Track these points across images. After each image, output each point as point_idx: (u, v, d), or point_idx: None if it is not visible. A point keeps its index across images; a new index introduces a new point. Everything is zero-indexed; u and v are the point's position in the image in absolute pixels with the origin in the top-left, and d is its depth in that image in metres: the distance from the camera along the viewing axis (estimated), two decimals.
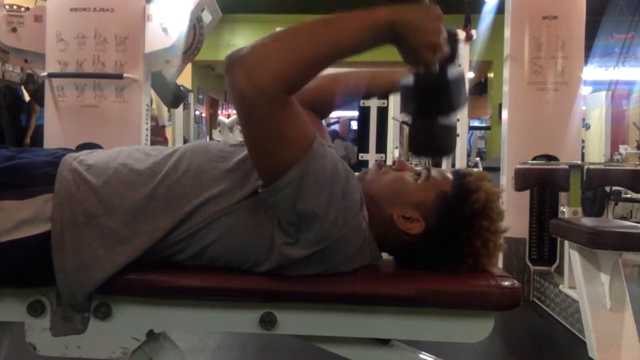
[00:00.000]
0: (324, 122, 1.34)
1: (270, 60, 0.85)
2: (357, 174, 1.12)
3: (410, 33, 0.89)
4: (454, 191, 1.02)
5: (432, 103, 0.97)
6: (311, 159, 0.89)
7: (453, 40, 0.95)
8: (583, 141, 5.38)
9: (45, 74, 3.31)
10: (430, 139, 0.99)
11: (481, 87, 11.74)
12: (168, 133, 6.49)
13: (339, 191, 0.92)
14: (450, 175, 1.05)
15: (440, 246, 1.02)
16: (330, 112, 1.30)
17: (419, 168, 1.08)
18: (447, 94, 0.96)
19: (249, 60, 0.85)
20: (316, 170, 0.89)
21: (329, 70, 1.01)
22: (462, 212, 1.00)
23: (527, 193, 3.15)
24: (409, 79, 0.97)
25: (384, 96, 1.28)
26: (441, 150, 1.01)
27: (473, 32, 3.99)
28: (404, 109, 0.99)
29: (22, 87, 5.15)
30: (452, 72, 0.96)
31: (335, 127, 8.78)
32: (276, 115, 0.87)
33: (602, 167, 3.25)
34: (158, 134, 5.82)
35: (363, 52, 0.93)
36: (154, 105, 5.72)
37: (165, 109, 5.87)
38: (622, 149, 7.37)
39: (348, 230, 0.94)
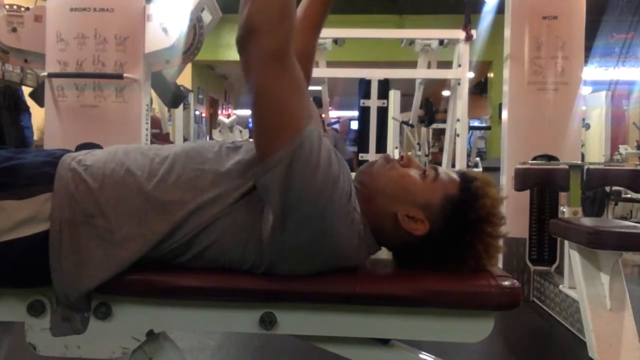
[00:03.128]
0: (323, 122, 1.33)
1: (265, 17, 0.88)
2: (361, 167, 1.12)
3: None
4: (461, 195, 1.02)
5: None
6: (305, 139, 0.89)
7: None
8: (583, 141, 5.38)
9: (45, 74, 3.31)
10: None
11: (481, 87, 11.73)
12: (165, 130, 6.47)
13: (330, 178, 0.91)
14: (456, 177, 1.05)
15: (442, 248, 1.02)
16: (311, 65, 1.27)
17: (425, 167, 1.08)
18: None
19: (254, 26, 0.88)
20: (309, 150, 0.89)
21: None
22: (467, 217, 1.00)
23: (527, 193, 3.15)
24: None
25: None
26: None
27: (473, 32, 3.99)
28: None
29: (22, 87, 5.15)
30: None
31: (336, 127, 8.78)
32: (285, 79, 0.90)
33: (602, 167, 3.24)
34: (163, 142, 5.79)
35: None
36: (157, 110, 5.71)
37: (165, 109, 5.86)
38: (622, 149, 7.37)
39: (337, 222, 0.93)
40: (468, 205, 1.01)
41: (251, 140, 1.00)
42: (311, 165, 0.89)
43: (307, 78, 1.24)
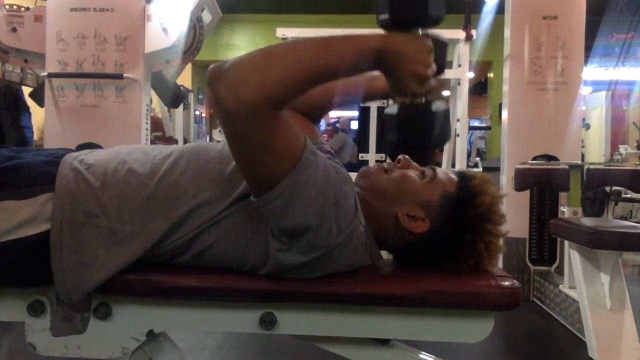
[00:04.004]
0: (323, 121, 1.34)
1: (255, 74, 0.82)
2: (360, 171, 1.12)
3: (398, 61, 0.89)
4: (459, 193, 1.02)
5: (414, 135, 0.98)
6: (302, 171, 0.87)
7: (442, 50, 0.96)
8: (583, 141, 5.38)
9: (45, 74, 3.31)
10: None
11: (481, 87, 11.74)
12: (168, 133, 6.47)
13: (332, 200, 0.90)
14: (454, 177, 1.05)
15: (442, 246, 1.02)
16: (322, 117, 1.28)
17: (423, 167, 1.08)
18: (430, 127, 0.96)
19: (232, 74, 0.83)
20: (307, 182, 0.88)
21: None
22: (467, 215, 1.01)
23: (527, 193, 3.15)
24: (393, 108, 0.98)
25: (384, 97, 1.27)
26: None
27: (473, 32, 3.98)
28: (387, 135, 1.00)
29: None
30: (437, 105, 0.95)
31: (339, 126, 8.74)
32: (262, 129, 0.85)
33: (602, 167, 3.25)
34: (167, 144, 5.74)
35: (352, 76, 0.93)
36: (157, 110, 5.70)
37: (166, 109, 5.86)
38: (622, 149, 7.37)
39: (344, 238, 0.93)
40: (467, 203, 1.01)
41: None
42: (312, 194, 0.88)
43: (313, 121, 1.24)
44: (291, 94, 0.87)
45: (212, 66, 0.84)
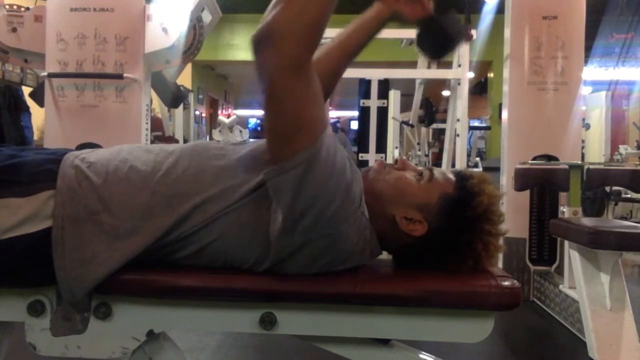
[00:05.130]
0: None
1: (294, 24, 0.85)
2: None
3: None
4: (457, 194, 1.02)
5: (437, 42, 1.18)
6: (322, 147, 0.89)
7: None
8: (583, 141, 5.38)
9: (45, 74, 3.31)
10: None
11: (481, 87, 11.74)
12: (168, 133, 6.47)
13: (343, 185, 0.92)
14: (452, 177, 1.05)
15: (441, 248, 1.02)
16: (332, 88, 1.26)
17: (420, 168, 1.08)
18: (446, 30, 1.16)
19: (276, 32, 0.85)
20: (325, 158, 0.89)
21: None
22: (465, 215, 1.00)
23: (527, 193, 3.15)
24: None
25: (379, 28, 1.30)
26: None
27: (473, 32, 3.99)
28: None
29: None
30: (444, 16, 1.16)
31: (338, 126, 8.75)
32: (300, 89, 0.89)
33: (602, 167, 3.25)
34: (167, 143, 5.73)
35: None
36: (157, 110, 5.70)
37: (166, 109, 5.86)
38: (622, 149, 7.37)
39: (347, 227, 0.94)
40: (465, 203, 1.01)
41: (252, 140, 1.00)
42: (326, 173, 0.90)
43: (325, 99, 1.24)
44: (320, 29, 0.90)
45: (254, 35, 0.87)
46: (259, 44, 0.87)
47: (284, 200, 0.91)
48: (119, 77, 3.25)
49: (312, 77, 0.91)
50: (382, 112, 4.06)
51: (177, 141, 5.89)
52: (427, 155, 6.34)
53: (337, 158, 0.92)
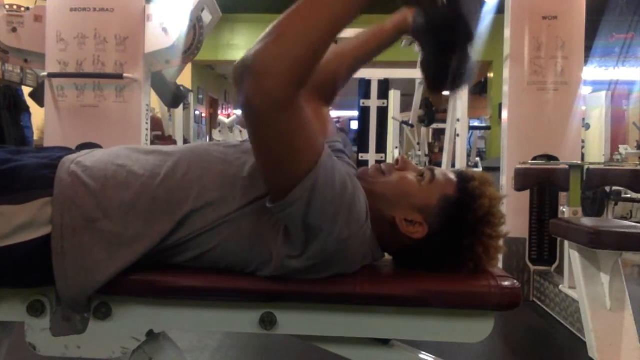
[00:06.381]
0: None
1: (277, 62, 0.79)
2: (357, 173, 1.11)
3: None
4: (458, 196, 1.01)
5: (447, 35, 0.95)
6: (320, 173, 0.87)
7: None
8: (583, 141, 5.37)
9: (45, 74, 3.31)
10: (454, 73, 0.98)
11: (481, 87, 11.73)
12: (167, 133, 6.46)
13: (346, 205, 0.90)
14: (453, 177, 1.04)
15: (441, 251, 1.01)
16: (337, 91, 1.24)
17: (421, 168, 1.08)
18: (462, 21, 0.93)
19: (256, 67, 0.79)
20: (324, 184, 0.87)
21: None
22: (466, 218, 0.99)
23: (527, 193, 3.15)
24: (420, 19, 0.97)
25: (395, 40, 1.22)
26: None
27: None
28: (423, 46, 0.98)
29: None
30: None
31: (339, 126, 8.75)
32: (288, 122, 0.83)
33: (602, 167, 3.25)
34: (166, 144, 5.71)
35: (364, 9, 0.87)
36: (157, 110, 5.69)
37: (165, 109, 5.85)
38: (622, 149, 7.37)
39: (352, 241, 0.93)
40: (466, 207, 1.00)
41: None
42: (328, 198, 0.88)
43: (331, 101, 1.23)
44: (313, 63, 0.83)
45: (235, 64, 0.82)
46: (239, 76, 0.81)
47: (295, 230, 0.91)
48: (119, 77, 3.25)
49: (299, 105, 0.84)
50: (382, 112, 4.07)
51: (175, 142, 5.89)
52: (427, 155, 6.34)
53: (337, 180, 0.89)
